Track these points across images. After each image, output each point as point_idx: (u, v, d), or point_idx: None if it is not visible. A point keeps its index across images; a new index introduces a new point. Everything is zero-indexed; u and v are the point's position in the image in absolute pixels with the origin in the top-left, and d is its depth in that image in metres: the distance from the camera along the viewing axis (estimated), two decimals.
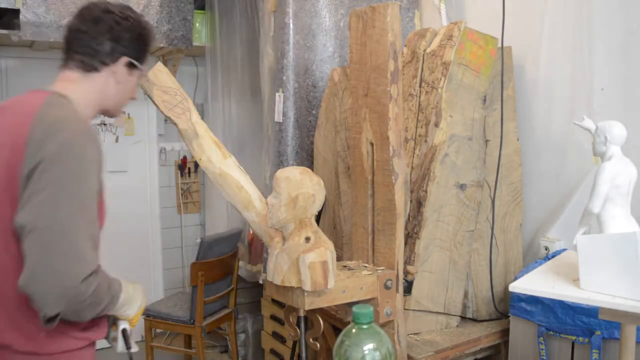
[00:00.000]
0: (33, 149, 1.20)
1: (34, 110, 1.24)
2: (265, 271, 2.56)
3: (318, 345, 1.60)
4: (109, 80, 1.39)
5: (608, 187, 1.37)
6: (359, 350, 1.09)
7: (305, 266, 1.45)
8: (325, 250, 1.48)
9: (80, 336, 1.33)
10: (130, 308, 1.43)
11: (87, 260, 1.19)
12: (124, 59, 1.38)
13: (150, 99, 1.71)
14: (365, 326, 1.11)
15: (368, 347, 1.10)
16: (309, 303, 1.50)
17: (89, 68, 1.35)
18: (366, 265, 1.75)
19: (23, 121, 1.23)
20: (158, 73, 1.71)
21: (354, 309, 1.12)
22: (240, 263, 3.42)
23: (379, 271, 1.67)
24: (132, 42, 1.39)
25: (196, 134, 1.68)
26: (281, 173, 1.52)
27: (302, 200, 1.49)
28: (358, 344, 1.10)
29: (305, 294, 1.49)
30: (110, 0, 1.42)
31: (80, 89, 1.36)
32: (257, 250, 3.29)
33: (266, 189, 2.66)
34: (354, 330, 1.12)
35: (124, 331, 1.46)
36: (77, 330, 1.32)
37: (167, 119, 1.73)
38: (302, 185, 1.49)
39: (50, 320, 1.19)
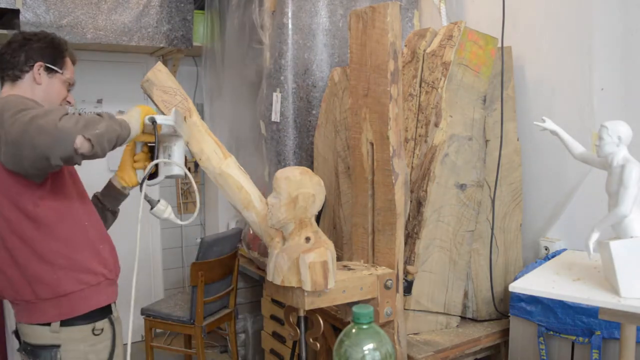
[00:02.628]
0: None
1: None
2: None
3: (318, 345, 1.60)
4: (32, 84, 1.66)
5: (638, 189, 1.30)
6: (359, 350, 1.09)
7: (305, 266, 1.45)
8: (325, 250, 1.48)
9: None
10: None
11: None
12: (39, 64, 1.65)
13: (150, 98, 1.70)
14: (365, 326, 1.11)
15: (368, 347, 1.10)
16: (309, 303, 1.50)
17: (13, 78, 1.65)
18: (366, 265, 1.75)
19: None
20: (158, 73, 1.71)
21: (354, 309, 1.12)
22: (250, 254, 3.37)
23: (379, 271, 1.67)
24: (43, 50, 1.66)
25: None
26: (281, 173, 1.52)
27: (302, 200, 1.49)
28: (358, 344, 1.10)
29: (305, 294, 1.48)
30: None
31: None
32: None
33: (266, 189, 2.66)
34: (354, 330, 1.12)
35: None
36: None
37: None
38: (302, 185, 1.49)
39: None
